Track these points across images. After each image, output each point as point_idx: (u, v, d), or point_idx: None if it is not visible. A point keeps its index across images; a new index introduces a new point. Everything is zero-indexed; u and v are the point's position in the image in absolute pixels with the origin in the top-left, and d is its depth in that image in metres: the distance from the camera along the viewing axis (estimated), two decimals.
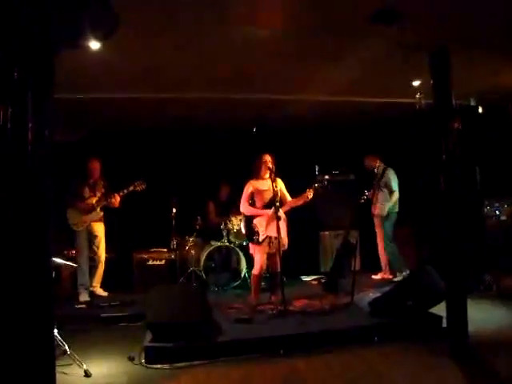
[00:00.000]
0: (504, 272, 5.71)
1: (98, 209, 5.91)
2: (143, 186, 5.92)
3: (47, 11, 2.12)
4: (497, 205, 6.22)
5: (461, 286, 4.00)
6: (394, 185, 6.44)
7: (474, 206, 6.23)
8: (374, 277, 6.63)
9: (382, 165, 6.60)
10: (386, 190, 6.42)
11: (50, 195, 2.17)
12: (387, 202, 6.41)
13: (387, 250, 6.48)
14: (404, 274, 6.28)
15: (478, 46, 4.15)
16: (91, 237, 5.96)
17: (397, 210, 6.50)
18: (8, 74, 2.06)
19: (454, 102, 4.07)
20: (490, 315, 4.79)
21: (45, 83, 2.14)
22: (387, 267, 6.58)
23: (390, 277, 6.48)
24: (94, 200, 5.92)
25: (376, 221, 6.60)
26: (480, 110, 6.01)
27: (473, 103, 6.05)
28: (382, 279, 6.49)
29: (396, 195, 6.44)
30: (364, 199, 6.25)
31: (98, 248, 5.96)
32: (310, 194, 4.93)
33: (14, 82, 2.04)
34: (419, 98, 5.11)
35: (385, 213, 6.43)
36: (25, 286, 2.05)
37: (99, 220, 6.00)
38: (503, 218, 6.15)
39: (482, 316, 4.57)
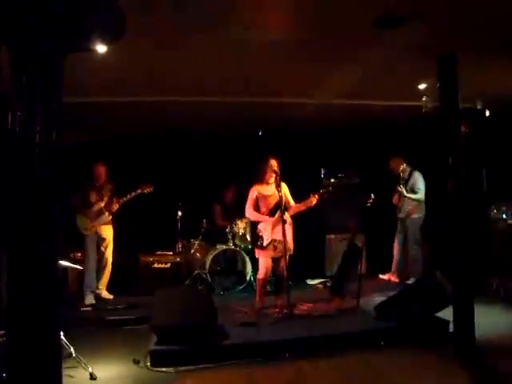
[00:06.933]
0: (511, 276, 5.67)
1: (107, 213, 5.93)
2: (150, 189, 5.91)
3: (55, 13, 2.13)
4: (504, 208, 6.18)
5: (468, 291, 3.98)
6: (421, 187, 6.41)
7: (481, 210, 6.20)
8: (381, 276, 6.62)
9: (409, 167, 6.60)
10: (411, 193, 6.41)
11: (58, 198, 2.18)
12: (414, 205, 6.40)
13: (411, 252, 6.43)
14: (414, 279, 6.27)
15: (485, 49, 4.13)
16: (99, 239, 5.97)
17: (423, 213, 6.46)
18: (17, 77, 2.07)
19: (460, 105, 4.06)
20: (497, 320, 4.76)
21: (53, 86, 2.15)
22: (396, 270, 6.53)
23: (397, 280, 6.44)
24: (101, 204, 5.93)
25: (400, 224, 6.58)
26: (487, 113, 5.98)
27: (479, 106, 6.02)
28: (389, 280, 6.48)
29: (417, 197, 6.37)
30: (370, 202, 6.20)
31: (105, 250, 5.98)
32: (314, 200, 4.92)
33: (22, 84, 2.06)
34: (425, 101, 5.10)
35: (412, 216, 6.42)
36: (33, 289, 2.05)
37: (108, 223, 6.02)
38: (510, 221, 6.11)
39: (489, 320, 4.53)
